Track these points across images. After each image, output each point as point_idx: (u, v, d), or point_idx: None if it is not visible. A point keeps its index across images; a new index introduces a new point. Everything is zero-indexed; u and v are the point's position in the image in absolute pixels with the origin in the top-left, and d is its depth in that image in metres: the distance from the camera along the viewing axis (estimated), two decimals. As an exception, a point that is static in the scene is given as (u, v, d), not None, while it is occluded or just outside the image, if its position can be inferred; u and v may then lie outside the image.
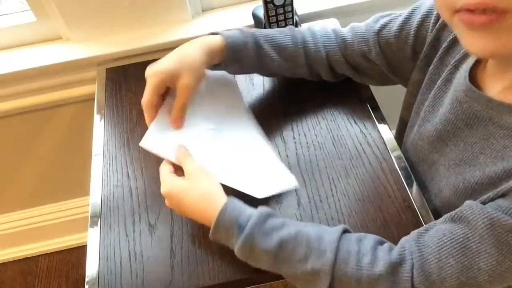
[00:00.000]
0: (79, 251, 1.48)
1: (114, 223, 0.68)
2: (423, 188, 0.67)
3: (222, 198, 0.58)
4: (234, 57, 0.69)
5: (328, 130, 0.75)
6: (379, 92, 0.80)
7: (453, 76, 0.60)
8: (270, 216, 0.57)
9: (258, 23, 0.88)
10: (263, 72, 0.77)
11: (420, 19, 0.66)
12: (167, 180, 0.62)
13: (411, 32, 0.67)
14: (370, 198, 0.66)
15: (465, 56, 0.59)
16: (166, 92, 0.67)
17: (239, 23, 0.96)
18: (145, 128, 0.79)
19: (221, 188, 0.60)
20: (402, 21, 0.68)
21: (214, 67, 0.71)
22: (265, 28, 0.85)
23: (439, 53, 0.64)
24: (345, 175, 0.69)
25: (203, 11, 1.01)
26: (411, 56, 0.69)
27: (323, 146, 0.73)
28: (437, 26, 0.64)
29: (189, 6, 0.96)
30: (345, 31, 0.74)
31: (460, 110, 0.57)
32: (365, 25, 0.73)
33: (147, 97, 0.65)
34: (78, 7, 0.90)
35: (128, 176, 0.73)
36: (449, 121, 0.59)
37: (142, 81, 0.87)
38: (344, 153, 0.72)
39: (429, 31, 0.65)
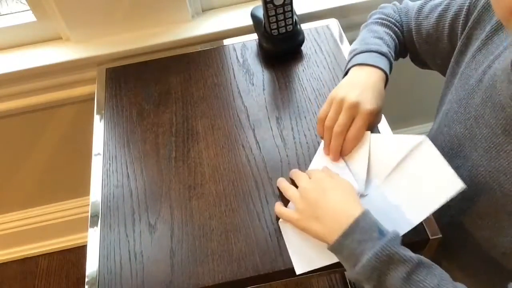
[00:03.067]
0: (79, 251, 1.48)
1: (114, 223, 0.68)
2: None
3: (360, 206, 0.55)
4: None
5: (328, 130, 0.75)
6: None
7: (485, 76, 0.58)
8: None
9: (257, 23, 0.88)
10: None
11: (454, 13, 0.65)
12: (317, 173, 0.61)
13: (446, 25, 0.66)
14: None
15: (497, 56, 0.56)
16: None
17: (239, 23, 0.96)
18: (145, 128, 0.79)
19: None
20: (440, 12, 0.68)
21: None
22: (264, 28, 0.85)
23: (470, 52, 0.62)
24: (345, 175, 0.69)
25: (203, 11, 1.01)
26: (449, 48, 0.68)
27: (323, 146, 0.73)
28: (469, 23, 0.62)
29: (189, 6, 0.96)
30: (403, 12, 0.75)
31: (503, 116, 0.53)
32: (411, 10, 0.73)
33: (358, 132, 0.63)
34: (78, 7, 0.90)
35: (128, 176, 0.73)
36: (488, 125, 0.56)
37: (142, 81, 0.88)
38: (344, 153, 0.72)
39: (461, 27, 0.64)
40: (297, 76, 0.85)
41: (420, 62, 0.77)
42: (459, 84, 0.64)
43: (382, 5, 0.80)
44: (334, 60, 0.86)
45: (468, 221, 0.63)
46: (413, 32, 0.72)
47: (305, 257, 0.61)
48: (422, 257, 0.52)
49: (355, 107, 0.62)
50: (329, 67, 0.85)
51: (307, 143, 0.74)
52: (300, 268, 0.61)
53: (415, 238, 0.61)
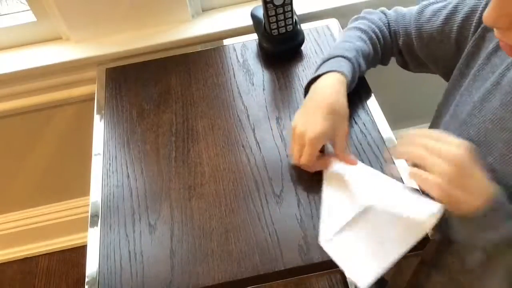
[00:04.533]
0: (79, 251, 1.48)
1: (114, 223, 0.68)
2: None
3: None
4: (349, 90, 0.71)
5: (328, 130, 0.75)
6: (379, 92, 0.80)
7: (503, 79, 0.57)
8: None
9: (257, 23, 0.88)
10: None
11: (464, 15, 0.64)
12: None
13: (454, 27, 0.66)
14: (370, 198, 0.66)
15: None
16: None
17: (239, 23, 0.96)
18: (145, 128, 0.79)
19: None
20: (447, 14, 0.67)
21: None
22: (264, 28, 0.85)
23: (484, 54, 0.61)
24: (345, 175, 0.69)
25: (203, 11, 1.01)
26: (454, 51, 0.67)
27: (323, 146, 0.73)
28: (482, 24, 0.61)
29: (189, 6, 0.96)
30: (393, 18, 0.76)
31: None
32: (409, 14, 0.73)
33: (309, 158, 0.65)
34: (78, 7, 0.90)
35: (128, 176, 0.73)
36: (507, 129, 0.55)
37: (142, 81, 0.88)
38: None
39: (473, 28, 0.63)
40: (297, 76, 0.85)
41: (416, 66, 0.77)
42: (471, 87, 0.62)
43: (366, 10, 0.80)
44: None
45: None
46: (413, 36, 0.72)
47: (364, 268, 0.59)
48: None
49: (302, 137, 0.65)
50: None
51: (307, 143, 0.74)
52: (364, 281, 0.58)
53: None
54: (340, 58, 0.71)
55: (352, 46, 0.72)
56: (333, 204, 0.65)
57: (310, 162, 0.65)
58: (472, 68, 0.63)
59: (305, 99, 0.70)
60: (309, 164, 0.66)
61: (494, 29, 0.46)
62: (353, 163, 0.67)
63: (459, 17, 0.65)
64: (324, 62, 0.73)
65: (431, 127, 0.76)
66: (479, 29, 0.62)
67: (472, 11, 0.63)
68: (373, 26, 0.75)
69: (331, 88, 0.68)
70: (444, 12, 0.68)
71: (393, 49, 0.78)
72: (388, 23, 0.76)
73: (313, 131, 0.64)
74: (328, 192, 0.66)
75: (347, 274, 0.59)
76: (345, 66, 0.70)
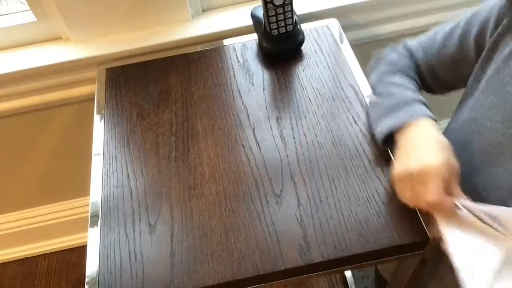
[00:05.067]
0: (79, 251, 1.48)
1: (114, 223, 0.68)
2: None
3: None
4: None
5: (328, 130, 0.75)
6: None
7: None
8: None
9: (257, 23, 0.88)
10: None
11: (479, 28, 0.63)
12: None
13: (472, 43, 0.64)
14: (370, 198, 0.66)
15: None
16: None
17: (239, 23, 0.96)
18: (145, 128, 0.79)
19: None
20: (462, 33, 0.66)
21: None
22: (264, 28, 0.85)
23: (499, 57, 0.60)
24: (345, 175, 0.69)
25: (203, 11, 1.01)
26: (476, 60, 0.65)
27: (323, 146, 0.73)
28: (498, 30, 0.60)
29: (189, 6, 0.96)
30: (414, 49, 0.73)
31: None
32: (421, 45, 0.72)
33: (438, 191, 0.56)
34: (78, 7, 0.90)
35: (128, 176, 0.74)
36: None
37: (142, 81, 0.88)
38: (344, 153, 0.72)
39: (488, 36, 0.62)
40: (297, 76, 0.85)
41: (444, 88, 0.75)
42: (488, 91, 0.61)
43: (384, 53, 0.76)
44: (334, 60, 0.87)
45: None
46: (435, 63, 0.70)
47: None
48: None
49: (421, 174, 0.58)
50: (329, 67, 0.85)
51: (307, 143, 0.74)
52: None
53: (415, 238, 0.61)
54: (421, 105, 0.66)
55: (406, 90, 0.68)
56: (470, 253, 0.56)
57: (441, 196, 0.55)
58: (486, 72, 0.62)
59: (398, 147, 0.64)
60: (440, 199, 0.56)
61: None
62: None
63: (473, 32, 0.64)
64: (392, 111, 0.67)
65: (444, 134, 0.75)
66: (495, 35, 0.60)
67: (486, 20, 0.62)
68: (402, 64, 0.73)
69: (429, 129, 0.62)
70: (459, 31, 0.66)
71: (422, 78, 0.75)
72: (410, 56, 0.74)
73: (432, 161, 0.57)
74: (457, 239, 0.57)
75: None
76: (426, 110, 0.65)
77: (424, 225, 0.62)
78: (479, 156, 0.62)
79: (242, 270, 0.61)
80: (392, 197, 0.66)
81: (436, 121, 0.64)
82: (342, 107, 0.78)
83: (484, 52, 0.63)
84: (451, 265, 0.55)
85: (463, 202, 0.56)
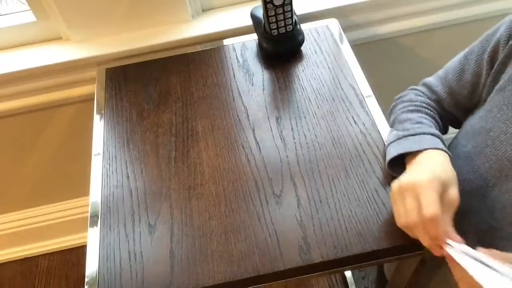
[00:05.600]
0: (79, 251, 1.48)
1: (114, 223, 0.68)
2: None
3: None
4: None
5: (328, 130, 0.75)
6: (379, 91, 0.80)
7: None
8: None
9: (257, 23, 0.88)
10: None
11: (492, 48, 0.62)
12: None
13: (485, 61, 0.63)
14: (370, 198, 0.66)
15: None
16: None
17: (239, 23, 0.96)
18: (145, 128, 0.79)
19: None
20: (477, 57, 0.65)
21: None
22: (264, 28, 0.85)
23: (510, 70, 0.59)
24: (345, 175, 0.69)
25: (203, 11, 1.01)
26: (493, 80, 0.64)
27: (323, 146, 0.73)
28: (510, 42, 0.59)
29: (189, 6, 0.96)
30: (425, 90, 0.73)
31: None
32: (438, 78, 0.71)
33: (434, 204, 0.52)
34: (78, 7, 0.90)
35: (128, 176, 0.74)
36: None
37: (142, 81, 0.88)
38: (344, 153, 0.72)
39: (500, 50, 0.61)
40: (297, 76, 0.85)
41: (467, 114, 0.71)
42: (501, 102, 0.60)
43: (400, 95, 0.75)
44: (334, 60, 0.86)
45: None
46: (456, 90, 0.69)
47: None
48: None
49: (411, 187, 0.56)
50: (329, 67, 0.85)
51: (307, 143, 0.74)
52: None
53: (415, 240, 0.61)
54: (428, 136, 0.63)
55: (429, 125, 0.67)
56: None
57: (437, 210, 0.52)
58: (498, 83, 0.61)
59: (406, 170, 0.62)
60: (438, 213, 0.52)
61: None
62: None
63: (487, 51, 0.63)
64: (406, 136, 0.65)
65: (454, 142, 0.73)
66: (507, 47, 0.60)
67: (498, 38, 0.61)
68: (420, 103, 0.71)
69: (440, 158, 0.60)
70: (473, 57, 0.66)
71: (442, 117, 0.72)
72: (429, 96, 0.72)
73: (424, 175, 0.54)
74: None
75: None
76: (440, 143, 0.62)
77: (424, 225, 0.62)
78: (491, 170, 0.60)
79: (242, 270, 0.61)
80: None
81: (450, 156, 0.60)
82: (342, 107, 0.78)
83: (496, 64, 0.62)
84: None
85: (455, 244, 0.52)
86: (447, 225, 0.53)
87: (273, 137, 0.76)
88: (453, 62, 0.70)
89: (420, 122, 0.66)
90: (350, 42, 0.90)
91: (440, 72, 0.72)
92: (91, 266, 0.64)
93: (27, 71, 0.94)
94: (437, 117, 0.70)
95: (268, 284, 0.63)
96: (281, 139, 0.75)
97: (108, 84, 0.89)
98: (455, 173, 0.58)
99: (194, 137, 0.77)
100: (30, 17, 0.94)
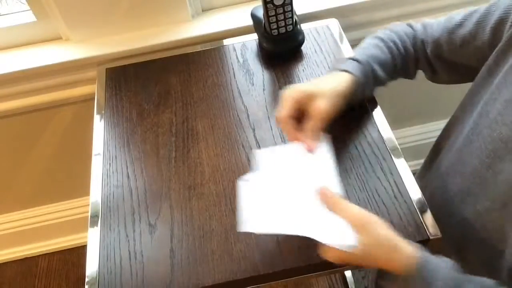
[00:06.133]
0: (79, 251, 1.48)
1: (114, 223, 0.68)
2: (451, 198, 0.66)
3: (409, 249, 0.55)
4: (360, 90, 0.70)
5: (328, 131, 0.75)
6: (379, 91, 0.80)
7: None
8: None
9: (257, 23, 0.88)
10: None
11: (498, 17, 0.63)
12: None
13: (488, 29, 0.64)
14: (370, 198, 0.66)
15: None
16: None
17: (239, 23, 0.96)
18: (145, 128, 0.79)
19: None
20: (479, 17, 0.66)
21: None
22: (264, 28, 0.85)
23: None
24: (345, 175, 0.69)
25: (203, 11, 1.01)
26: (487, 52, 0.65)
27: (323, 146, 0.73)
28: None
29: (189, 6, 0.96)
30: (419, 31, 0.75)
31: None
32: (437, 23, 0.73)
33: (283, 112, 0.63)
34: (78, 7, 0.90)
35: (128, 176, 0.73)
36: None
37: (142, 81, 0.88)
38: (344, 153, 0.72)
39: (507, 28, 0.61)
40: (297, 76, 0.85)
41: (448, 74, 0.75)
42: (502, 85, 0.61)
43: (393, 23, 0.79)
44: (334, 60, 0.86)
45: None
46: (444, 41, 0.71)
47: (253, 219, 0.59)
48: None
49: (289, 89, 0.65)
50: (329, 67, 0.85)
51: (307, 143, 0.74)
52: (243, 227, 0.58)
53: (415, 238, 0.61)
54: (350, 60, 0.71)
55: (366, 52, 0.72)
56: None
57: (281, 113, 0.63)
58: (502, 66, 0.62)
59: None
60: (279, 117, 0.63)
61: None
62: (310, 149, 0.63)
63: (492, 19, 0.64)
64: (339, 61, 0.74)
65: (451, 124, 0.75)
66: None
67: (506, 13, 0.62)
68: (394, 36, 0.75)
69: (333, 77, 0.68)
70: (476, 16, 0.67)
71: (418, 60, 0.76)
72: (414, 34, 0.75)
73: (296, 86, 0.65)
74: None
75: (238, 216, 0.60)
76: (355, 68, 0.69)
77: (424, 225, 0.62)
78: (486, 151, 0.62)
79: (242, 270, 0.61)
80: (392, 197, 0.66)
81: (357, 78, 0.68)
82: (342, 107, 0.78)
83: (501, 45, 0.62)
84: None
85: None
86: (307, 130, 0.63)
87: (273, 137, 0.76)
88: (458, 13, 0.71)
89: (368, 49, 0.73)
90: (350, 42, 0.90)
91: (442, 18, 0.73)
92: (91, 266, 0.64)
93: (27, 71, 0.94)
94: (399, 56, 0.74)
95: (268, 284, 0.63)
96: (281, 138, 0.75)
97: (108, 84, 0.89)
98: (336, 90, 0.66)
99: (194, 137, 0.77)
100: (30, 17, 0.94)
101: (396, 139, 0.73)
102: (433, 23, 0.74)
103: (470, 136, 0.66)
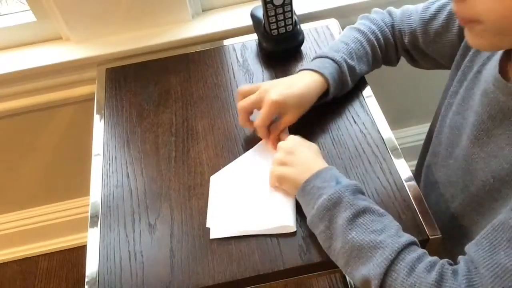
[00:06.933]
0: (79, 251, 1.48)
1: (114, 223, 0.68)
2: (438, 187, 0.68)
3: (324, 162, 0.64)
4: (336, 90, 0.74)
5: (328, 130, 0.75)
6: (379, 91, 0.80)
7: (483, 68, 0.60)
8: (363, 194, 0.61)
9: (257, 23, 0.88)
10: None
11: None
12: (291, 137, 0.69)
13: (456, 23, 0.67)
14: (370, 198, 0.66)
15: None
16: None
17: (239, 23, 0.96)
18: (145, 128, 0.79)
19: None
20: (450, 9, 0.68)
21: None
22: (264, 28, 0.85)
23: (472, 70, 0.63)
24: (345, 175, 0.69)
25: (203, 11, 1.01)
26: (457, 45, 0.68)
27: (323, 146, 0.73)
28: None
29: (189, 6, 0.96)
30: (397, 19, 0.76)
31: (487, 102, 0.56)
32: (415, 12, 0.74)
33: (262, 122, 0.69)
34: (78, 7, 0.90)
35: (128, 176, 0.74)
36: (477, 114, 0.58)
37: (142, 81, 0.88)
38: (344, 153, 0.72)
39: None
40: (297, 76, 0.85)
41: (427, 62, 0.77)
42: (460, 77, 0.65)
43: (374, 9, 0.80)
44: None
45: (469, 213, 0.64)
46: (419, 33, 0.73)
47: (223, 223, 0.65)
48: (374, 206, 0.58)
49: (263, 93, 0.70)
50: (329, 67, 0.85)
51: (307, 143, 0.74)
52: (215, 233, 0.64)
53: (415, 238, 0.61)
54: (326, 59, 0.73)
55: (345, 47, 0.74)
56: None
57: (239, 104, 0.70)
58: (464, 60, 0.65)
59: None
60: (261, 130, 0.70)
61: (452, 2, 0.48)
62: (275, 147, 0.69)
63: None
64: (315, 58, 0.75)
65: (434, 119, 0.77)
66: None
67: None
68: (373, 27, 0.76)
69: (305, 85, 0.70)
70: (449, 7, 0.68)
71: (398, 49, 0.78)
72: (393, 23, 0.77)
73: (277, 94, 0.68)
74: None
75: (208, 224, 0.66)
76: (329, 68, 0.71)
77: (424, 225, 0.62)
78: (447, 140, 0.67)
79: (242, 270, 0.61)
80: (392, 197, 0.66)
81: (326, 78, 0.70)
82: (341, 107, 0.78)
83: (465, 40, 0.64)
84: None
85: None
86: (260, 118, 0.69)
87: (273, 137, 0.76)
88: (434, 2, 0.72)
89: (346, 44, 0.75)
90: (350, 42, 0.90)
91: (421, 6, 0.74)
92: (91, 266, 0.64)
93: (27, 71, 0.94)
94: (378, 48, 0.76)
95: (268, 284, 0.63)
96: (281, 139, 0.75)
97: (108, 84, 0.89)
98: (307, 99, 0.70)
99: (194, 137, 0.77)
100: (30, 17, 0.94)
101: (396, 139, 0.73)
102: (411, 12, 0.75)
103: (440, 128, 0.70)
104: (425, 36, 0.72)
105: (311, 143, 0.68)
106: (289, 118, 0.70)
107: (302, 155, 0.64)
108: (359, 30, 0.76)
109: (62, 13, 0.90)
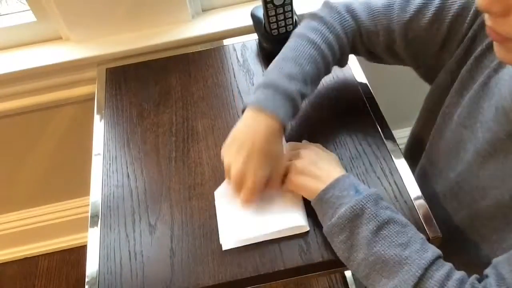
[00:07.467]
0: (79, 251, 1.48)
1: (114, 223, 0.68)
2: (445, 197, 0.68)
3: (343, 170, 0.64)
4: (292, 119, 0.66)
5: (328, 130, 0.75)
6: (379, 91, 0.80)
7: (491, 80, 0.57)
8: (383, 200, 0.59)
9: (257, 23, 0.88)
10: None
11: (455, 13, 0.60)
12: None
13: (444, 26, 0.62)
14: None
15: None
16: None
17: (239, 23, 0.96)
18: (145, 128, 0.79)
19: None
20: (435, 12, 0.62)
21: None
22: (264, 28, 0.85)
23: (474, 54, 0.60)
24: (345, 175, 0.69)
25: (203, 11, 1.01)
26: (439, 49, 0.64)
27: (323, 147, 0.73)
28: (474, 26, 0.59)
29: (189, 6, 0.96)
30: (364, 21, 0.68)
31: (505, 120, 0.54)
32: (387, 9, 0.66)
33: (251, 197, 0.62)
34: (78, 7, 0.90)
35: (128, 176, 0.74)
36: (491, 131, 0.56)
37: (142, 81, 0.88)
38: (344, 153, 0.72)
39: (465, 27, 0.60)
40: (297, 76, 0.85)
41: (391, 61, 0.73)
42: (461, 88, 0.62)
43: (325, 0, 0.71)
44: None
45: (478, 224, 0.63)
46: (397, 35, 0.66)
47: (235, 233, 0.64)
48: (396, 215, 0.57)
49: (241, 181, 0.61)
50: (329, 67, 0.85)
51: (307, 143, 0.74)
52: (227, 244, 0.63)
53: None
54: (278, 94, 0.62)
55: (300, 73, 0.64)
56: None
57: (253, 198, 0.62)
58: (461, 69, 0.62)
59: (239, 121, 0.63)
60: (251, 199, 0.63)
61: (485, 16, 0.44)
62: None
63: (449, 15, 0.61)
64: (265, 85, 0.64)
65: (421, 125, 0.76)
66: (471, 30, 0.60)
67: (463, 9, 0.60)
68: (330, 37, 0.67)
69: (264, 136, 0.60)
70: (432, 9, 0.62)
71: (357, 52, 0.73)
72: (356, 27, 0.69)
73: (254, 175, 0.60)
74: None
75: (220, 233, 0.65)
76: (283, 108, 0.62)
77: (424, 225, 0.62)
78: (447, 151, 0.66)
79: (242, 270, 0.61)
80: (392, 197, 0.66)
81: (282, 121, 0.62)
82: (341, 107, 0.78)
83: (462, 47, 0.61)
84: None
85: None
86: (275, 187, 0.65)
87: (273, 137, 0.75)
88: (412, 4, 0.65)
89: (301, 66, 0.64)
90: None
91: (398, 4, 0.66)
92: (92, 266, 0.64)
93: (27, 71, 0.94)
94: (332, 60, 0.68)
95: (268, 284, 0.63)
96: (281, 139, 0.75)
97: (108, 84, 0.89)
98: (280, 150, 0.64)
99: (194, 137, 0.77)
100: (30, 17, 0.94)
101: (396, 139, 0.73)
102: (380, 10, 0.67)
103: (435, 138, 0.69)
104: (404, 38, 0.66)
105: (331, 152, 0.68)
106: (278, 174, 0.64)
107: (324, 167, 0.62)
108: (314, 44, 0.66)
109: (62, 13, 0.90)
